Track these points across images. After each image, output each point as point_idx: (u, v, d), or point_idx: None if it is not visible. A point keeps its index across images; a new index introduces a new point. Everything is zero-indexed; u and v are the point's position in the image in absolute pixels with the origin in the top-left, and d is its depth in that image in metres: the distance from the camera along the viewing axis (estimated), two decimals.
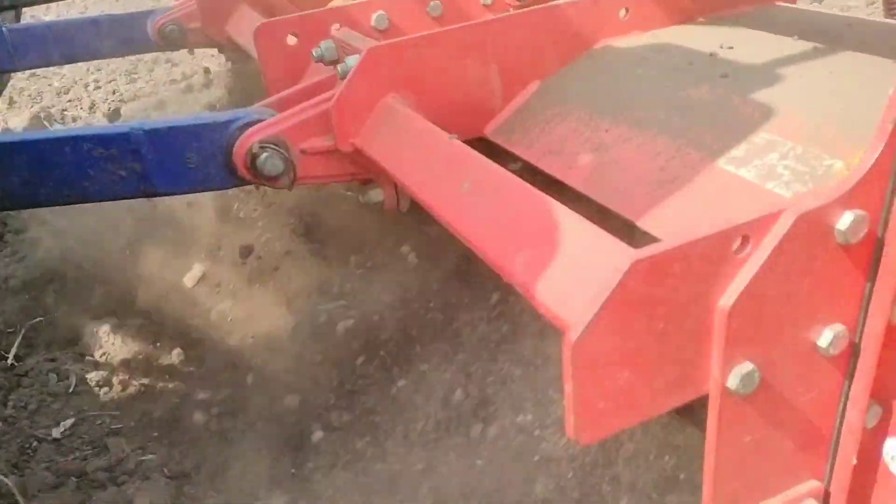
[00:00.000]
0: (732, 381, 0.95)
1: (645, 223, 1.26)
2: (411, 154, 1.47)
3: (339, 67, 1.70)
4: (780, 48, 1.59)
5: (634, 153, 1.40)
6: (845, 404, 1.07)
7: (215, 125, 1.69)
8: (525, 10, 1.75)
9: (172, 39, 3.21)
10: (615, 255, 0.90)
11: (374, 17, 2.11)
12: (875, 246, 0.97)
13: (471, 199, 1.23)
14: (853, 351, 1.04)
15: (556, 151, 1.54)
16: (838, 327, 1.00)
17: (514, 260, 1.07)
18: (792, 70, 1.46)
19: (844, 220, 0.92)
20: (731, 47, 1.62)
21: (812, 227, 0.92)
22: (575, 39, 1.77)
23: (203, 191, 1.76)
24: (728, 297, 0.91)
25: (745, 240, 0.91)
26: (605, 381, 0.90)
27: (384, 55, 1.62)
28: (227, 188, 1.75)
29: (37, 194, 1.64)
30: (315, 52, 1.84)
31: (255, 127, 1.66)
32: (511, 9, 2.26)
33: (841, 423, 1.08)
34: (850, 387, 1.06)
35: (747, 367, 0.95)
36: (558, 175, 1.49)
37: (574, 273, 0.97)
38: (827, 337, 0.99)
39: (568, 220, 1.05)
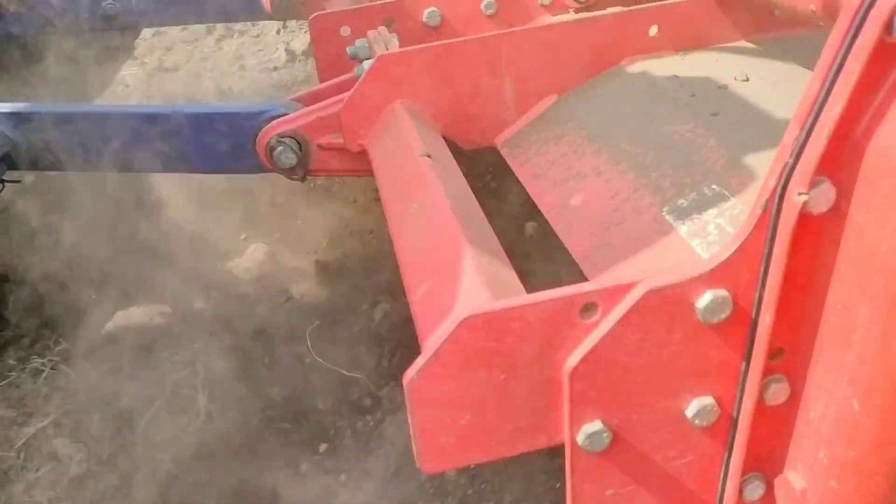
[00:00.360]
0: (580, 438, 0.98)
1: (584, 266, 1.27)
2: (390, 164, 1.54)
3: (356, 70, 1.79)
4: (798, 84, 1.50)
5: (601, 188, 1.39)
6: (726, 475, 1.06)
7: (246, 115, 1.84)
8: (543, 25, 1.75)
9: (282, 10, 3.41)
10: (464, 305, 0.95)
11: (425, 13, 2.17)
12: (749, 326, 0.95)
13: (412, 222, 1.30)
14: (732, 424, 1.03)
15: (542, 175, 1.56)
16: (707, 400, 0.99)
17: (417, 289, 1.14)
18: (790, 113, 1.38)
19: (703, 300, 0.92)
20: (747, 79, 1.55)
21: (667, 302, 0.92)
22: (597, 56, 1.75)
23: (235, 173, 1.93)
24: (573, 359, 0.94)
25: (594, 306, 0.93)
26: (445, 420, 0.96)
27: (394, 63, 1.69)
28: (256, 174, 1.90)
29: (93, 160, 1.87)
30: (350, 49, 1.94)
31: (277, 121, 1.80)
32: (571, 10, 2.24)
33: (722, 493, 1.08)
34: (729, 458, 1.05)
35: (596, 425, 0.97)
36: (537, 200, 1.51)
37: (442, 315, 1.03)
38: (693, 408, 0.99)
39: (468, 258, 1.10)
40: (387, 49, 1.81)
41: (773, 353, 0.96)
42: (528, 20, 2.22)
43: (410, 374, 0.93)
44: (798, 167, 0.84)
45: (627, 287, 0.92)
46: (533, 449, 1.02)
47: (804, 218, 0.85)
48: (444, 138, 1.76)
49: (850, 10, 0.78)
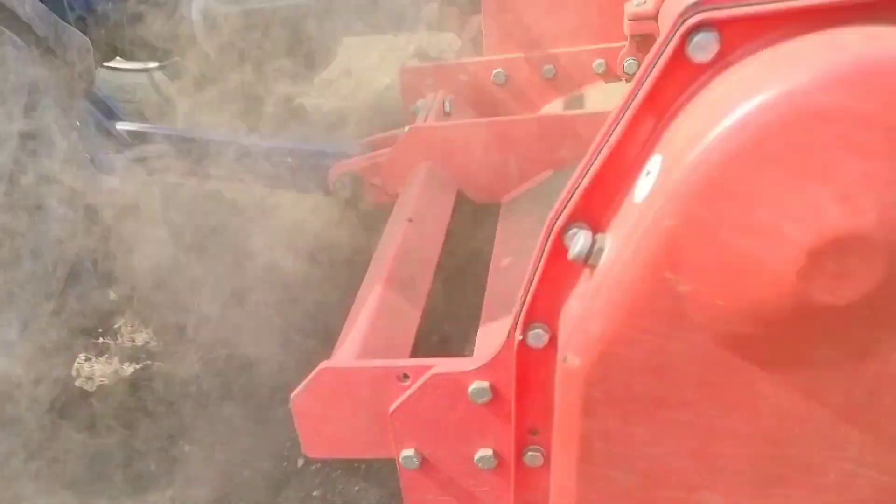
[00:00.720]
0: (400, 458, 1.45)
1: (480, 327, 1.70)
2: (392, 218, 2.03)
3: (398, 132, 2.28)
4: None
5: (520, 267, 1.78)
6: None
7: (325, 153, 2.41)
8: (540, 115, 2.10)
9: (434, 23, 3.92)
10: (334, 356, 1.45)
11: (493, 73, 2.58)
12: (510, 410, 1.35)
13: (374, 274, 1.79)
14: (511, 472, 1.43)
15: (506, 241, 1.96)
16: (487, 452, 1.41)
17: (343, 330, 1.65)
18: None
19: (471, 386, 1.34)
20: None
21: (448, 383, 1.35)
22: (587, 143, 2.07)
23: (316, 193, 2.52)
24: (393, 406, 1.40)
25: (407, 376, 1.39)
26: (316, 427, 1.48)
27: (422, 134, 2.15)
28: (328, 195, 2.48)
29: (216, 174, 2.56)
30: (412, 107, 2.42)
31: (344, 161, 2.35)
32: (623, 80, 2.52)
33: None
34: None
35: (410, 451, 1.43)
36: (492, 261, 1.93)
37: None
38: (478, 455, 1.42)
39: (368, 318, 1.59)
40: (427, 116, 2.27)
41: (533, 431, 1.35)
42: (584, 85, 2.54)
43: (294, 393, 1.46)
44: (522, 316, 1.23)
45: (426, 368, 1.37)
46: (380, 457, 1.51)
47: (528, 349, 1.24)
48: (462, 193, 2.21)
49: (543, 238, 1.15)
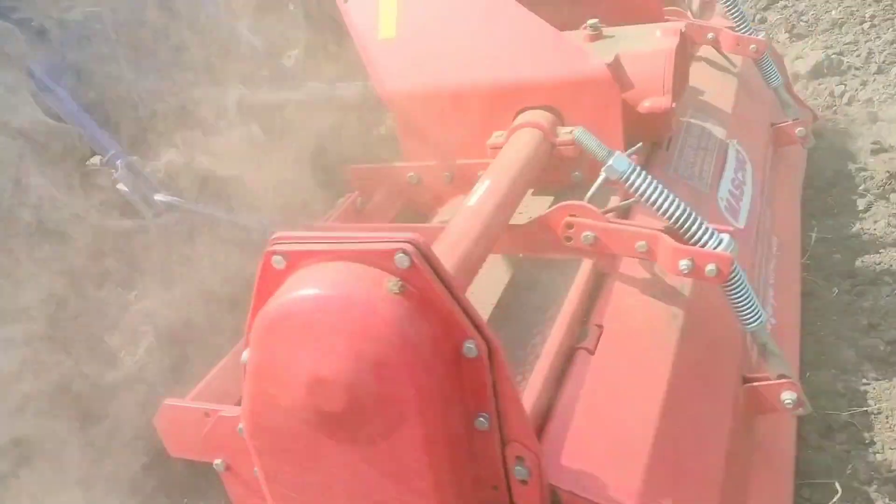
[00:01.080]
0: (214, 464, 2.28)
1: None
2: None
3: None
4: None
5: None
6: None
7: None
8: (394, 225, 2.84)
9: None
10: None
11: (407, 175, 3.34)
12: None
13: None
14: None
15: None
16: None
17: None
18: None
19: (239, 425, 2.15)
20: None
21: (226, 422, 2.17)
22: None
23: None
24: (204, 431, 2.25)
25: (208, 415, 2.23)
26: (171, 437, 2.36)
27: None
28: None
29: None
30: (337, 202, 3.24)
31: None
32: None
33: None
34: None
35: (219, 461, 2.27)
36: None
37: None
38: (256, 469, 2.22)
39: (215, 369, 2.45)
40: (334, 214, 3.08)
41: None
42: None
43: (155, 417, 2.35)
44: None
45: (217, 411, 2.20)
46: (210, 461, 2.36)
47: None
48: None
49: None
